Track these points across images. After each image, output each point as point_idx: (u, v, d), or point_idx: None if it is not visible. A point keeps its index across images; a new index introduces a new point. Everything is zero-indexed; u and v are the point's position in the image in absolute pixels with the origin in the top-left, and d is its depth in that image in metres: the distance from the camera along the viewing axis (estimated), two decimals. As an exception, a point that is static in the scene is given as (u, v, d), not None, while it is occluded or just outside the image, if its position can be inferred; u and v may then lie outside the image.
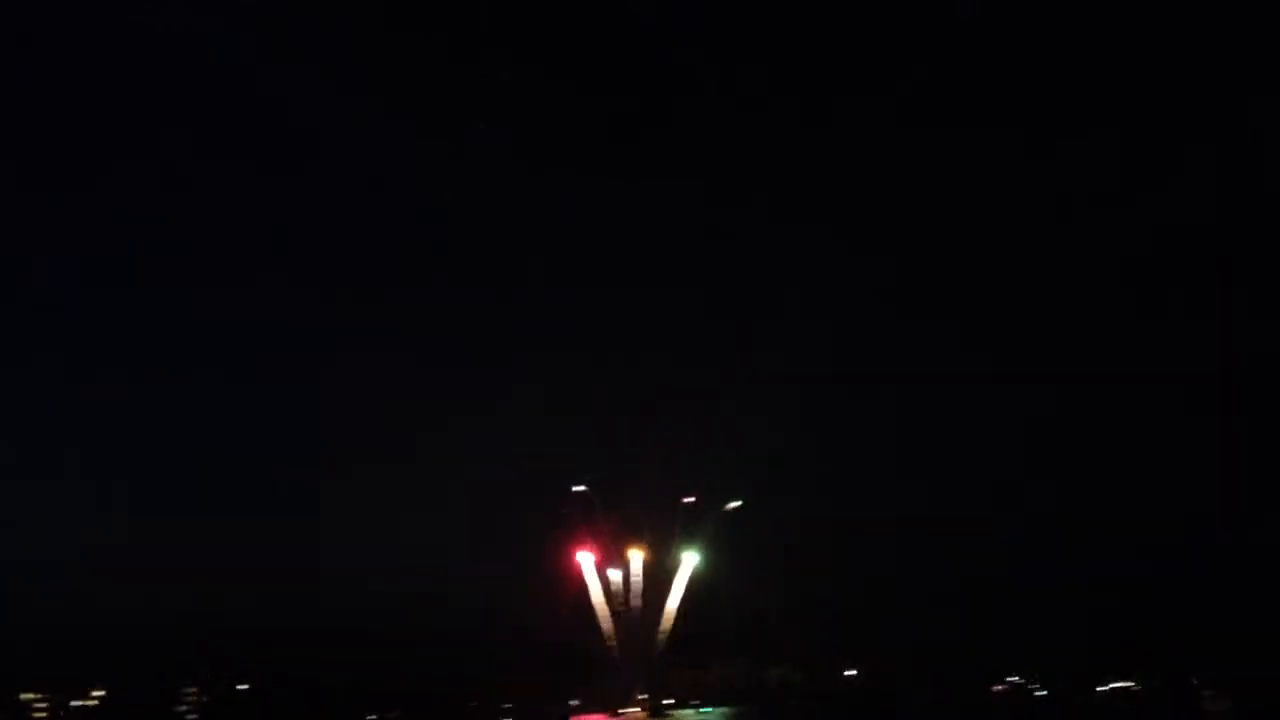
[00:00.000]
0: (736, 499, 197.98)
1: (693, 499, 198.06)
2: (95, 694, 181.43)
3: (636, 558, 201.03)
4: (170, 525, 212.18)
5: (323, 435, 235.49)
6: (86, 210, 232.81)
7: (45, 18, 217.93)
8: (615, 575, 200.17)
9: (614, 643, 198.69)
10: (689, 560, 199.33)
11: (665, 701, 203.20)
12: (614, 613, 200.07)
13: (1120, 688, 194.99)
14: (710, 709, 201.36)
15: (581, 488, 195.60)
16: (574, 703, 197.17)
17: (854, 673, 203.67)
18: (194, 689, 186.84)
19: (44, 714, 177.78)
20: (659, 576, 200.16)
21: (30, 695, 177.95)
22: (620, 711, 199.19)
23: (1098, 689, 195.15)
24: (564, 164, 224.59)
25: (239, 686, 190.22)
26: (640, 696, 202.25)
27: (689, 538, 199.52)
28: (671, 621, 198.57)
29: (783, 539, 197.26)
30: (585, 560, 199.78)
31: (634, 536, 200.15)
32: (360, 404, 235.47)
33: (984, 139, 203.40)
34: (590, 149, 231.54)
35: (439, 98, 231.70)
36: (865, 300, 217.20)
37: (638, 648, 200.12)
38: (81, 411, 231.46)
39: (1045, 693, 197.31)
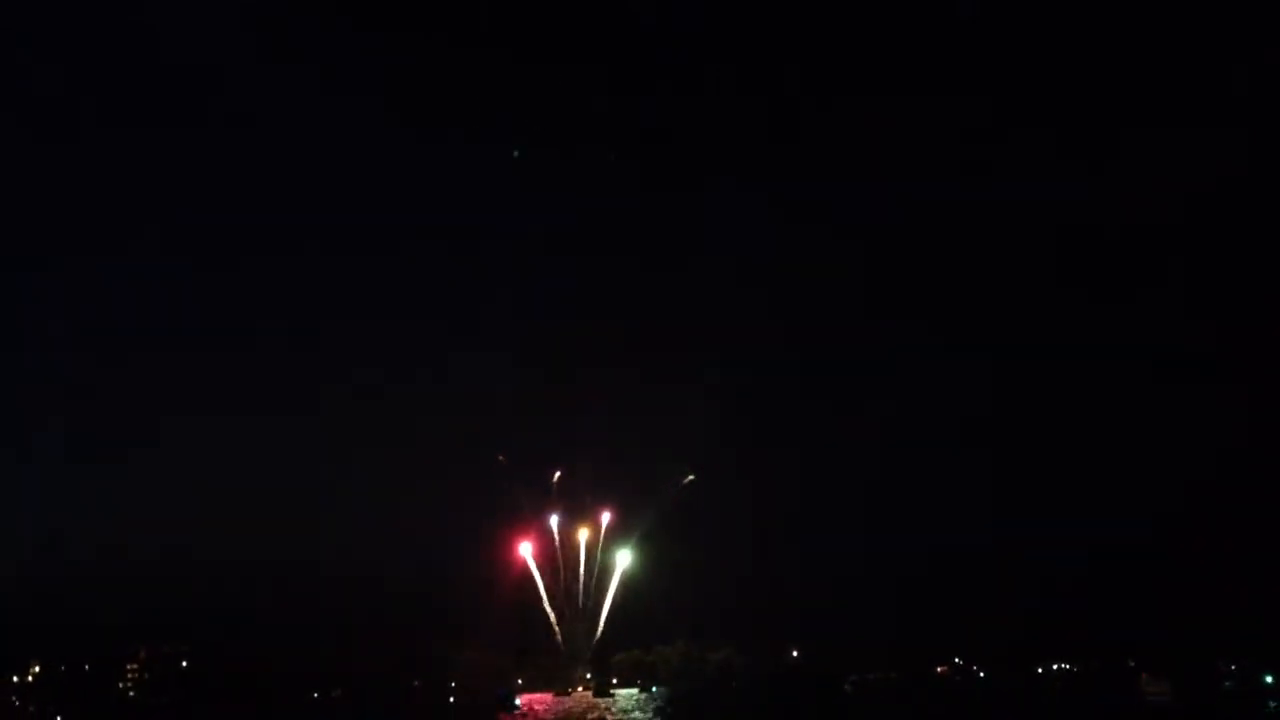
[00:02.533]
0: (687, 474, 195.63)
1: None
2: (33, 671, 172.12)
3: (583, 536, 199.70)
4: (113, 509, 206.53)
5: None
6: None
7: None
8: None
9: (559, 632, 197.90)
10: (622, 560, 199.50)
11: (612, 681, 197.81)
12: (556, 606, 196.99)
13: (1059, 669, 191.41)
14: (655, 689, 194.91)
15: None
16: (519, 682, 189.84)
17: (797, 654, 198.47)
18: (134, 665, 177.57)
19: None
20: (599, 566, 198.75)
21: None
22: (567, 691, 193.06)
23: (1038, 670, 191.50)
24: (559, 156, 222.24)
25: (181, 664, 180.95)
26: (586, 677, 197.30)
27: (624, 536, 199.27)
28: (604, 622, 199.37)
29: (726, 523, 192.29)
30: (527, 552, 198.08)
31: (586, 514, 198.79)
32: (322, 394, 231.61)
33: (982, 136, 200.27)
34: (583, 141, 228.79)
35: (441, 96, 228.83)
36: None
37: (581, 631, 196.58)
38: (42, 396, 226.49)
39: (984, 674, 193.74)
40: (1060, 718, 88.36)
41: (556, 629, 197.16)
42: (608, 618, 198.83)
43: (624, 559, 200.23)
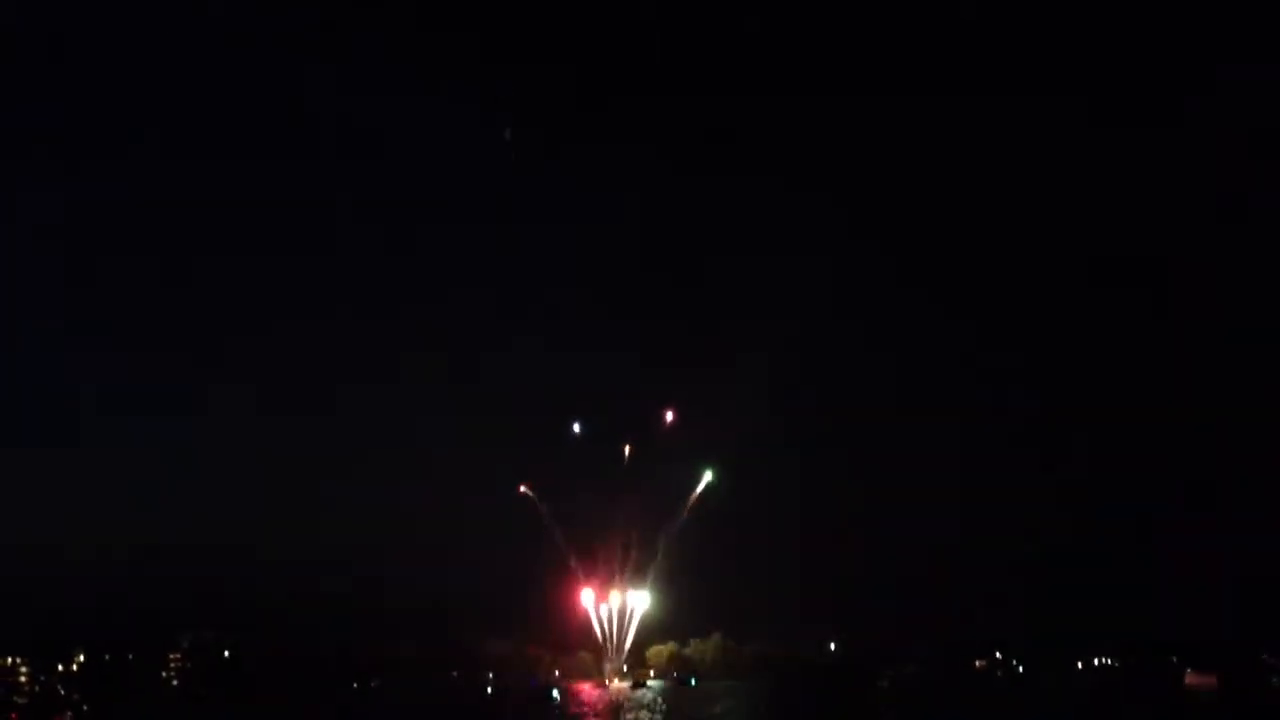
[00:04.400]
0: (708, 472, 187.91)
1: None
2: (77, 659, 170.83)
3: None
4: (157, 499, 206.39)
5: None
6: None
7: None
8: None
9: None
10: (640, 601, 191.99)
11: (649, 673, 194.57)
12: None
13: (1101, 665, 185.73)
14: (694, 682, 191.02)
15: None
16: (556, 673, 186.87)
17: (834, 647, 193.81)
18: (177, 655, 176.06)
19: (26, 678, 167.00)
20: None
21: (13, 659, 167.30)
22: (605, 683, 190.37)
23: (1078, 665, 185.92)
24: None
25: (223, 654, 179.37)
26: (622, 670, 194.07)
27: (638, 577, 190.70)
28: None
29: (760, 516, 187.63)
30: (589, 600, 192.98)
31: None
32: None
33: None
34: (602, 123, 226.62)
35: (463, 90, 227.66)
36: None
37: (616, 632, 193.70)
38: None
39: (1023, 669, 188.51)
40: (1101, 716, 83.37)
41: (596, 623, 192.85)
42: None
43: (642, 601, 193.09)
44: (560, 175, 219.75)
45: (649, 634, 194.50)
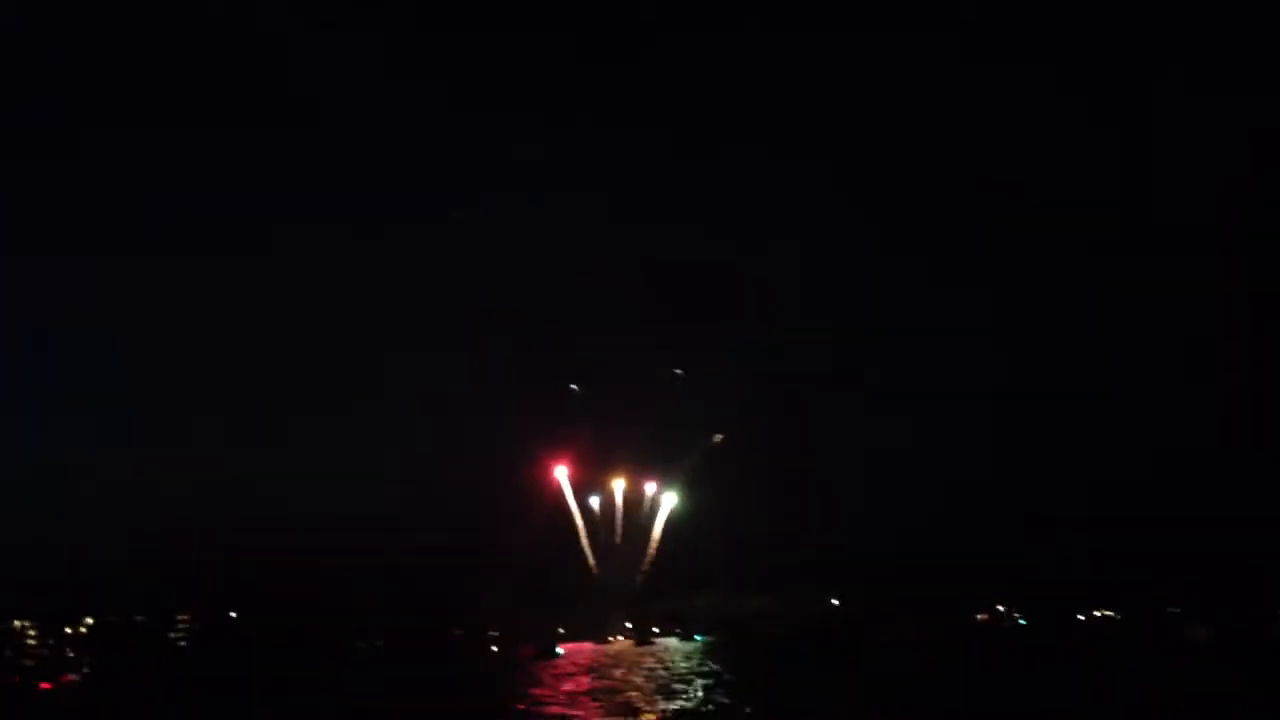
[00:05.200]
0: (718, 432, 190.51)
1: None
2: (86, 621, 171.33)
3: (618, 487, 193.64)
4: (161, 457, 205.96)
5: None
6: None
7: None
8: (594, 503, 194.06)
9: (596, 569, 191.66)
10: (667, 501, 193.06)
11: (653, 630, 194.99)
12: (594, 544, 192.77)
13: (1100, 617, 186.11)
14: (701, 638, 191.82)
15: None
16: (561, 631, 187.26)
17: (837, 602, 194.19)
18: (185, 616, 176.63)
19: (35, 641, 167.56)
20: (639, 512, 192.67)
21: (21, 623, 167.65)
22: (607, 640, 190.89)
23: (1078, 617, 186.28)
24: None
25: (230, 614, 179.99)
26: (626, 625, 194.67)
27: (668, 476, 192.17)
28: (652, 560, 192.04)
29: (767, 469, 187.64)
30: (562, 475, 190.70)
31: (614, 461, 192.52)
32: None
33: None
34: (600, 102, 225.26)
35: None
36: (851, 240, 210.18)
37: (620, 578, 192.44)
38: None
39: (1025, 622, 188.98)
40: (1102, 667, 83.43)
41: (593, 564, 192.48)
42: (644, 574, 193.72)
43: (669, 500, 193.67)
44: (561, 171, 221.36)
45: (650, 588, 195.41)
